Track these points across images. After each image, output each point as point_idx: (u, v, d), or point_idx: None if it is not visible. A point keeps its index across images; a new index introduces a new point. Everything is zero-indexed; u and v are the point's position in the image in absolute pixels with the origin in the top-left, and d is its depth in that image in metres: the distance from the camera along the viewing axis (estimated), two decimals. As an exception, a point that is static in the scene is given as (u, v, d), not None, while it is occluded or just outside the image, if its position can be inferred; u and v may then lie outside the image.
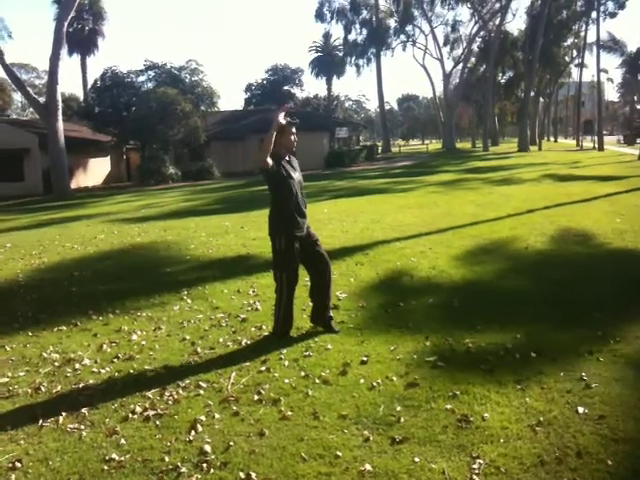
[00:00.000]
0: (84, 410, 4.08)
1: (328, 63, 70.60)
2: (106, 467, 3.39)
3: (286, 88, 62.58)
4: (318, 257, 5.47)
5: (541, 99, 70.76)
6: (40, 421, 3.95)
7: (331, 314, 5.61)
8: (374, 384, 4.29)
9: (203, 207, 18.02)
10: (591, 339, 5.00)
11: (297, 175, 5.36)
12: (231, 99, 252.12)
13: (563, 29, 55.73)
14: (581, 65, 56.82)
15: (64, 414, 4.03)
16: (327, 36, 70.98)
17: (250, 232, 11.41)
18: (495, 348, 4.89)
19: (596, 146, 47.67)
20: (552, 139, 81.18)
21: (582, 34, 56.48)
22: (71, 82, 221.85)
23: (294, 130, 5.34)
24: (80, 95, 59.75)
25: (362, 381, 4.37)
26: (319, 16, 62.34)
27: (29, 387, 4.58)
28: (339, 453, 3.41)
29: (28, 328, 6.11)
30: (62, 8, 31.15)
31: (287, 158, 5.34)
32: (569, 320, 5.56)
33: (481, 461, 3.25)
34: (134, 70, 36.79)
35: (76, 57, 59.25)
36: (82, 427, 3.87)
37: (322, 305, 5.50)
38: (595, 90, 54.87)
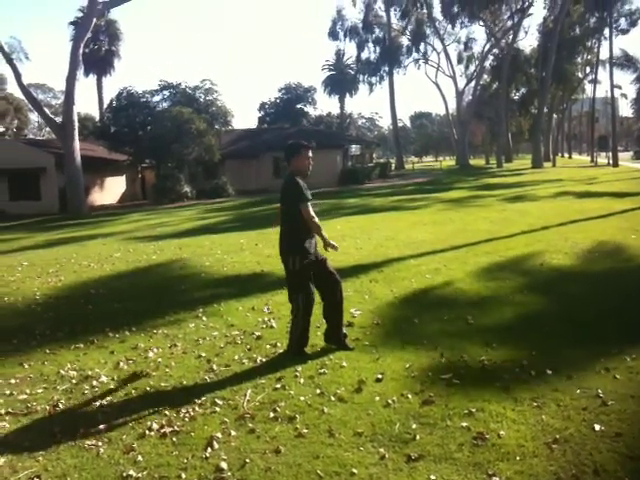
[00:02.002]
0: (101, 427, 4.11)
1: (341, 81, 70.99)
2: (123, 484, 3.42)
3: (299, 106, 62.87)
4: (328, 276, 5.47)
5: (555, 115, 70.66)
6: (58, 437, 3.99)
7: (345, 331, 5.63)
8: (389, 401, 4.29)
9: (218, 225, 18.14)
10: (607, 356, 4.97)
11: None
12: (245, 118, 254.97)
13: (576, 46, 55.82)
14: (594, 81, 56.76)
15: (82, 431, 4.06)
16: (339, 54, 71.39)
17: (265, 249, 11.46)
18: (511, 365, 4.88)
19: (611, 162, 47.41)
20: (566, 155, 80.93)
21: (595, 51, 56.54)
22: (87, 102, 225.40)
23: (310, 154, 5.43)
24: (96, 115, 60.45)
25: (377, 398, 4.37)
26: (332, 34, 63.20)
27: (47, 404, 4.63)
28: (355, 471, 3.41)
29: (46, 346, 6.18)
30: (78, 29, 31.82)
31: None
32: (585, 337, 5.53)
33: (497, 479, 3.24)
34: (149, 90, 37.26)
35: (92, 77, 60.14)
36: (100, 444, 3.90)
37: (336, 324, 5.52)
38: (609, 106, 54.70)
